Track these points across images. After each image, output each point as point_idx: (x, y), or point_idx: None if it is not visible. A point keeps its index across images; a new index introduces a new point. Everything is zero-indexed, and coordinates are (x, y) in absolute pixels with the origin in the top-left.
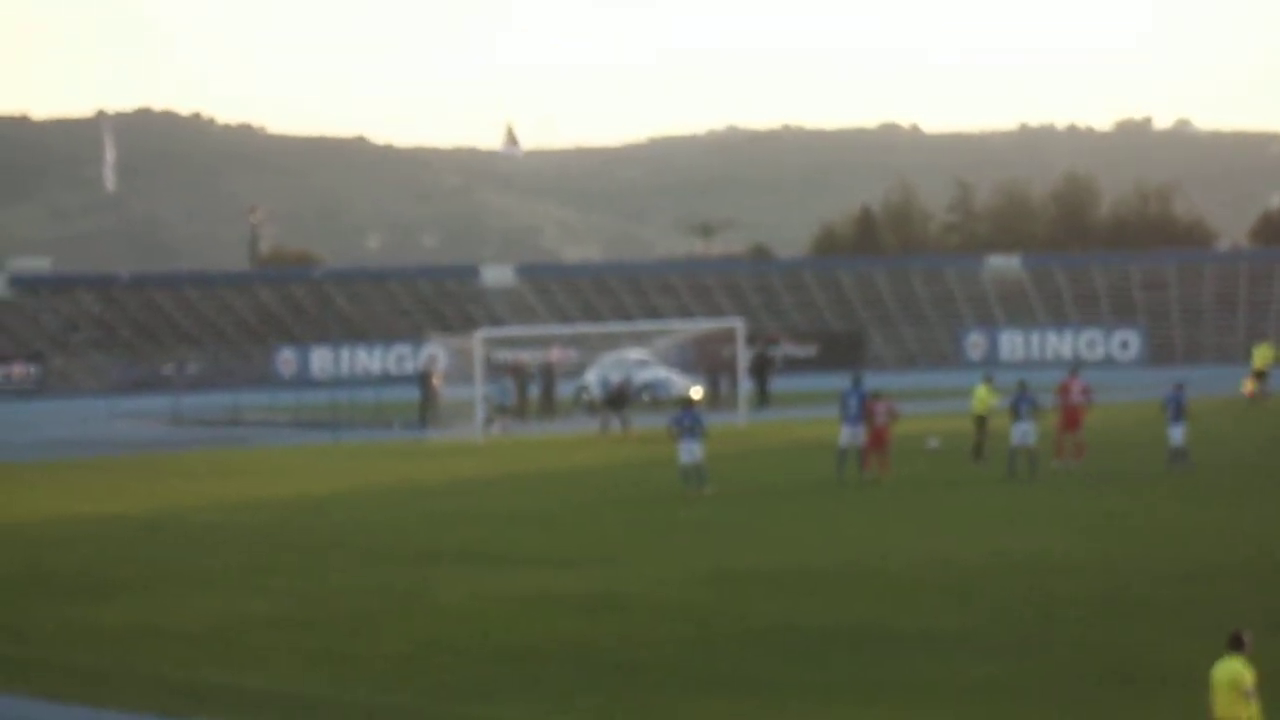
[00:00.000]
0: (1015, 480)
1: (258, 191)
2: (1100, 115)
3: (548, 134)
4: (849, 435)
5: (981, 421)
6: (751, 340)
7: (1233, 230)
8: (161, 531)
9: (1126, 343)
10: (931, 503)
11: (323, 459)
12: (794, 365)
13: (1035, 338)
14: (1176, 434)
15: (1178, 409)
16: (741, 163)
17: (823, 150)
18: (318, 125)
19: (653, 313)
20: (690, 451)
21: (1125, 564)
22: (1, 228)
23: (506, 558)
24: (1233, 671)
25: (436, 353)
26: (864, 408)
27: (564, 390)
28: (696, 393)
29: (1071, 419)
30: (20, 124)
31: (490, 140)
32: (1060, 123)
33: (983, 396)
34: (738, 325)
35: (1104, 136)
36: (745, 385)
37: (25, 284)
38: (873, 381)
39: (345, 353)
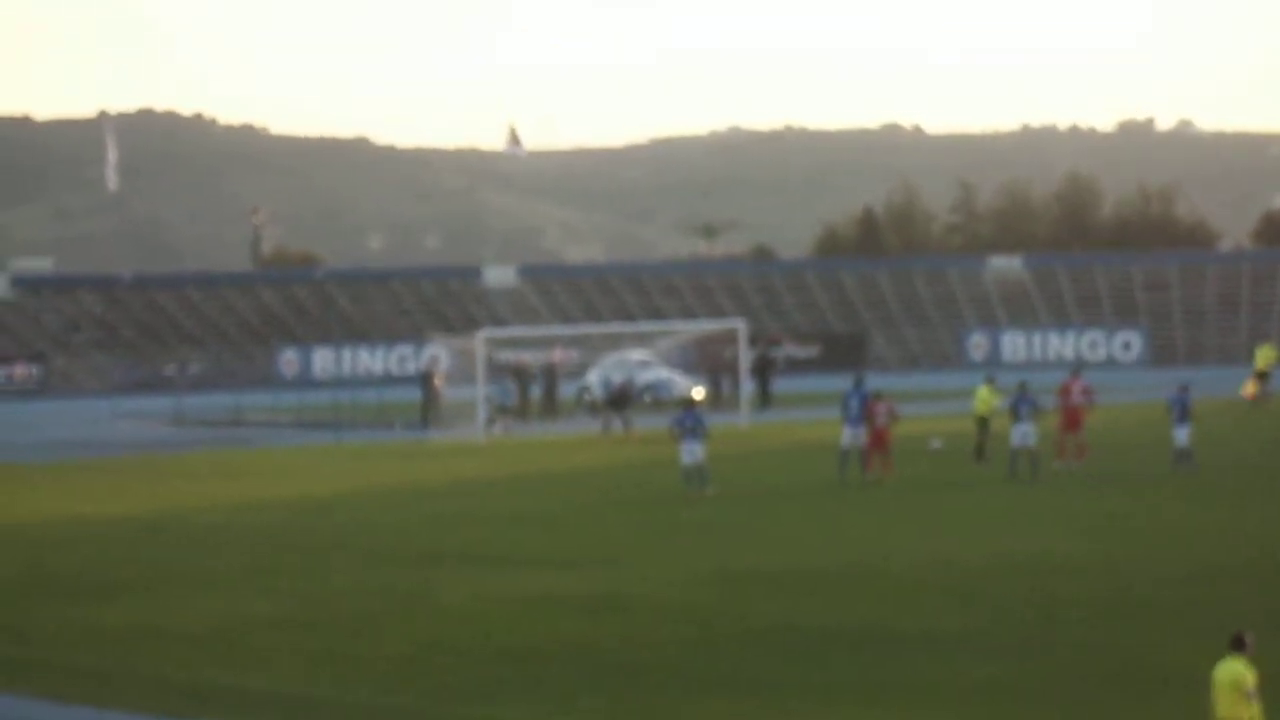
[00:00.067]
0: (1017, 481)
1: (260, 192)
2: (1102, 116)
3: (550, 134)
4: (851, 436)
5: (983, 422)
6: (753, 341)
7: (1235, 231)
8: (164, 532)
9: (1128, 344)
10: (933, 504)
11: (325, 460)
12: (796, 366)
13: (1037, 339)
14: (1181, 435)
15: (1183, 410)
16: (744, 163)
17: (825, 151)
18: (320, 126)
19: (655, 313)
20: (692, 452)
21: (1127, 565)
22: (4, 228)
23: (508, 559)
24: (1235, 672)
25: (438, 353)
26: (865, 409)
27: (566, 391)
28: (698, 394)
29: (1072, 420)
30: (23, 124)
31: (492, 141)
32: (1062, 123)
33: (985, 397)
34: (740, 326)
35: (1106, 137)
36: (747, 386)
37: (27, 284)
38: (875, 382)
39: (347, 353)
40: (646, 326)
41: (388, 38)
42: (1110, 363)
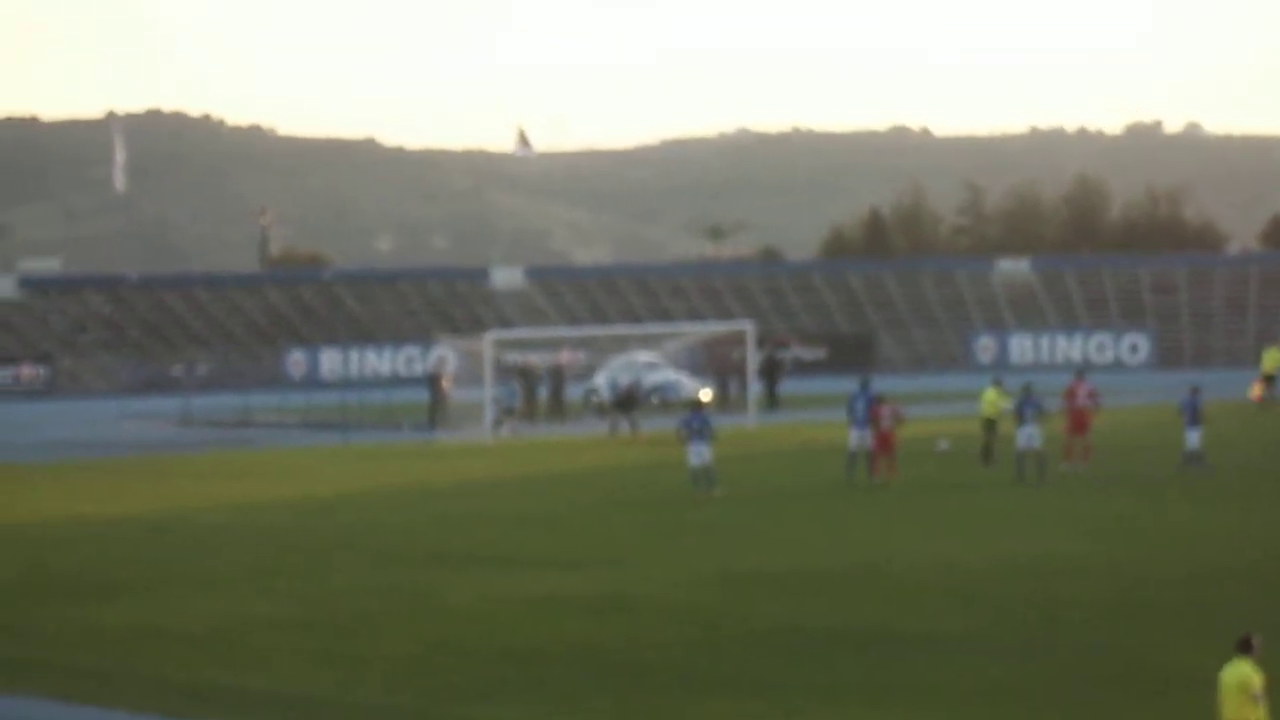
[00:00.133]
0: (1023, 483)
1: (267, 193)
2: (1110, 118)
3: (558, 135)
4: (857, 438)
5: (990, 424)
6: (761, 343)
7: (1243, 233)
8: (167, 533)
9: (1136, 346)
10: (939, 505)
11: (332, 460)
12: (803, 368)
13: (1045, 341)
14: (1193, 438)
15: (1194, 413)
16: (751, 165)
17: (833, 153)
18: (327, 127)
19: (662, 315)
20: (699, 454)
21: (1131, 567)
22: (11, 229)
23: (514, 559)
24: (1241, 674)
25: (446, 354)
26: (870, 411)
27: (573, 392)
28: (706, 395)
29: (1078, 422)
30: (30, 125)
31: (500, 142)
32: (1070, 126)
33: (991, 399)
34: (747, 328)
35: (1114, 139)
36: (755, 388)
37: (34, 285)
38: (883, 384)
39: (355, 354)
40: (654, 328)
41: (395, 38)
42: (1118, 365)
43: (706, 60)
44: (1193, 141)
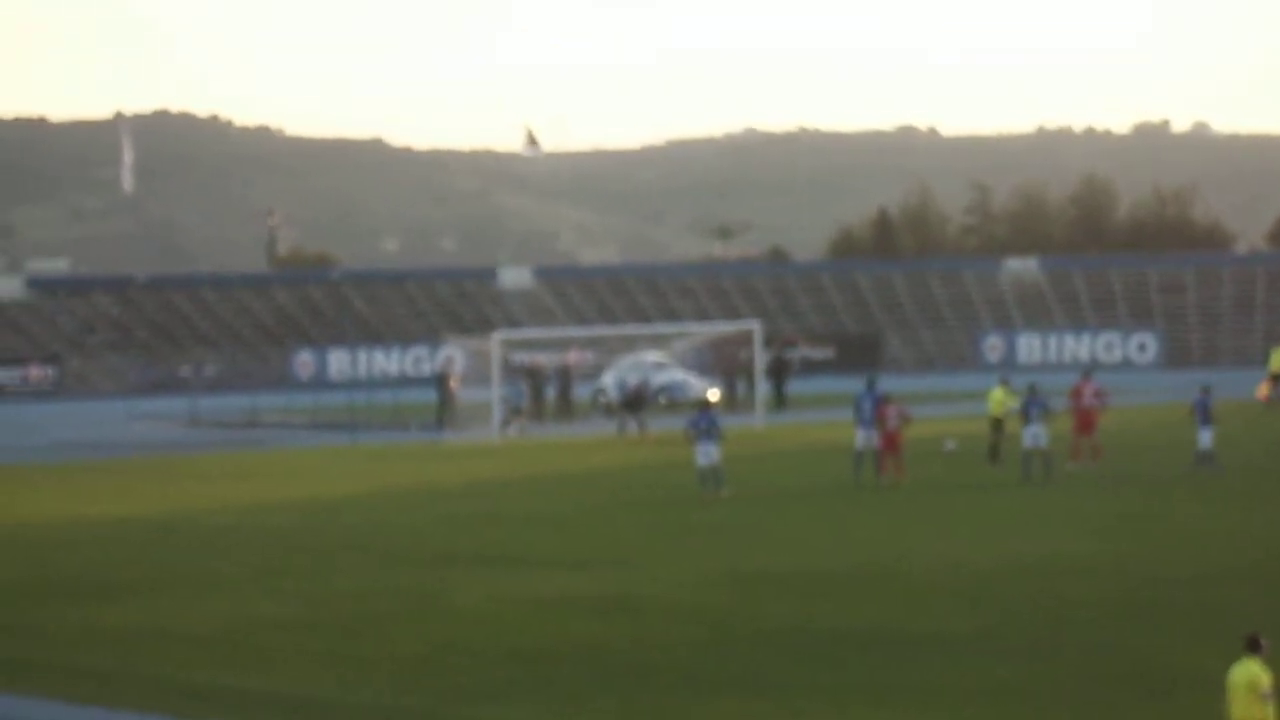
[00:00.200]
0: (1029, 483)
1: (275, 193)
2: (1118, 118)
3: (564, 136)
4: (864, 438)
5: (997, 424)
6: (769, 342)
7: (1250, 233)
8: (174, 534)
9: (1144, 345)
10: (946, 505)
11: (340, 461)
12: (811, 367)
13: (1053, 340)
14: (1205, 437)
15: (1205, 412)
16: (758, 165)
17: (840, 153)
18: (335, 127)
19: (670, 315)
20: (707, 454)
21: (1138, 567)
22: (19, 229)
23: (522, 560)
24: (1250, 674)
25: (454, 355)
26: (876, 411)
27: (581, 392)
28: (713, 395)
29: (1085, 422)
30: (38, 126)
31: (507, 142)
32: (1078, 125)
33: (999, 399)
34: (755, 327)
35: (1121, 139)
36: (762, 388)
37: (42, 285)
38: (890, 384)
39: (363, 354)
40: (662, 328)
41: (404, 39)
42: (1125, 364)
43: (710, 60)
44: (1200, 141)
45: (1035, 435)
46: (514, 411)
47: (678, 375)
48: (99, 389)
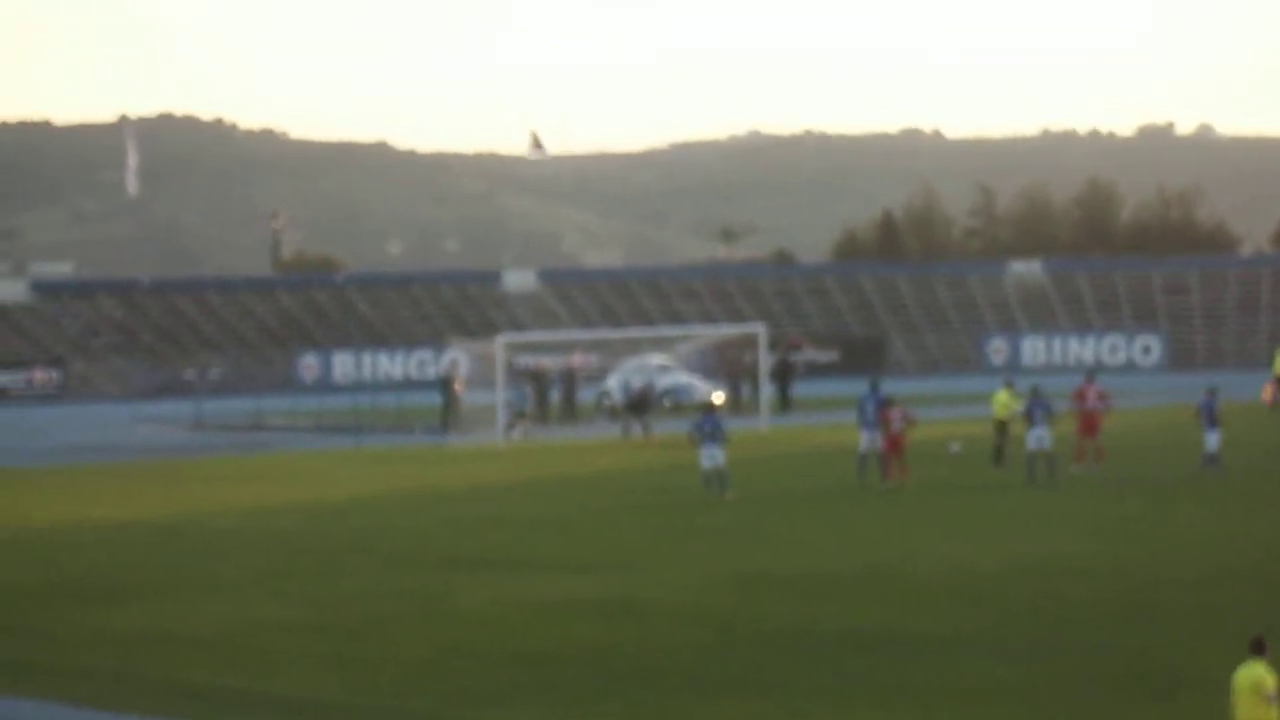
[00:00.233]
0: (1034, 485)
1: (279, 196)
2: (1122, 120)
3: (568, 138)
4: (867, 441)
5: (1002, 426)
6: (773, 345)
7: (1255, 235)
8: (178, 537)
9: (1148, 348)
10: (950, 507)
11: (344, 464)
12: (816, 370)
13: (1057, 343)
14: (1212, 440)
15: (1211, 415)
16: (763, 167)
17: (844, 155)
18: (339, 130)
19: (674, 318)
20: (712, 457)
21: (1140, 569)
22: (24, 232)
23: (527, 563)
24: (1255, 676)
25: (458, 358)
26: (880, 414)
27: (585, 395)
28: (718, 398)
29: (1088, 424)
30: (43, 129)
31: (511, 145)
32: (1082, 128)
33: (1004, 401)
34: (759, 330)
35: (1126, 141)
36: (767, 390)
37: (47, 289)
38: (895, 387)
39: (367, 358)
40: (666, 331)
41: (408, 42)
42: (1130, 367)
43: (711, 61)
44: (1205, 143)
45: (1039, 438)
46: (518, 415)
47: (682, 378)
48: (103, 392)
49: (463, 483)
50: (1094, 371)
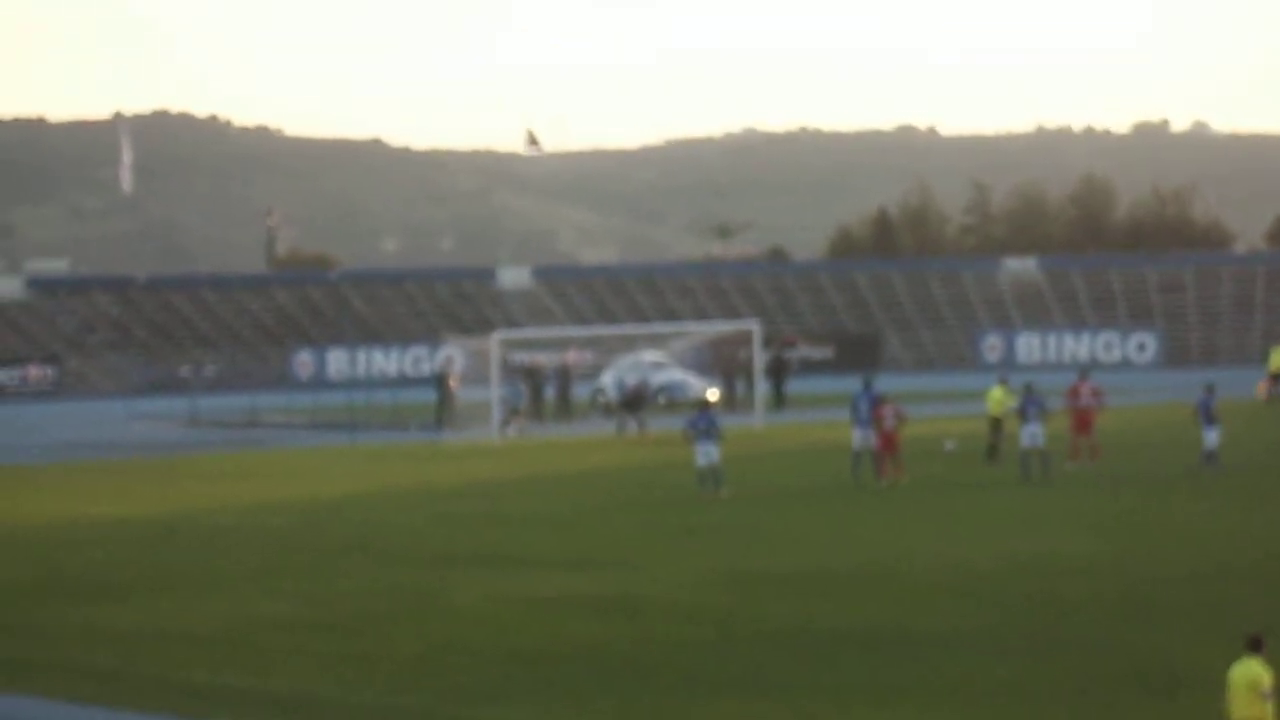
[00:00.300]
0: (1028, 482)
1: (274, 193)
2: (1117, 117)
3: (563, 136)
4: (861, 438)
5: (996, 423)
6: (768, 342)
7: (1250, 232)
8: (174, 534)
9: (1143, 345)
10: (945, 504)
11: (339, 461)
12: (810, 367)
13: (1052, 340)
14: (1211, 437)
15: (1208, 412)
16: (758, 165)
17: (839, 152)
18: (334, 128)
19: (669, 315)
20: (707, 454)
21: (1137, 566)
22: (18, 229)
23: (521, 560)
24: (1251, 673)
25: (453, 355)
26: (872, 411)
27: (580, 392)
28: (713, 395)
29: (1082, 422)
30: (37, 126)
31: (507, 142)
32: (1077, 125)
33: (998, 398)
34: (754, 327)
35: (1121, 139)
36: (761, 387)
37: (42, 285)
38: (890, 384)
39: (362, 354)
40: (661, 328)
41: (403, 40)
42: (1125, 364)
43: (709, 60)
44: (1200, 140)
45: (1033, 435)
46: (513, 411)
47: (677, 375)
48: (99, 389)
49: (458, 479)
50: (1088, 369)
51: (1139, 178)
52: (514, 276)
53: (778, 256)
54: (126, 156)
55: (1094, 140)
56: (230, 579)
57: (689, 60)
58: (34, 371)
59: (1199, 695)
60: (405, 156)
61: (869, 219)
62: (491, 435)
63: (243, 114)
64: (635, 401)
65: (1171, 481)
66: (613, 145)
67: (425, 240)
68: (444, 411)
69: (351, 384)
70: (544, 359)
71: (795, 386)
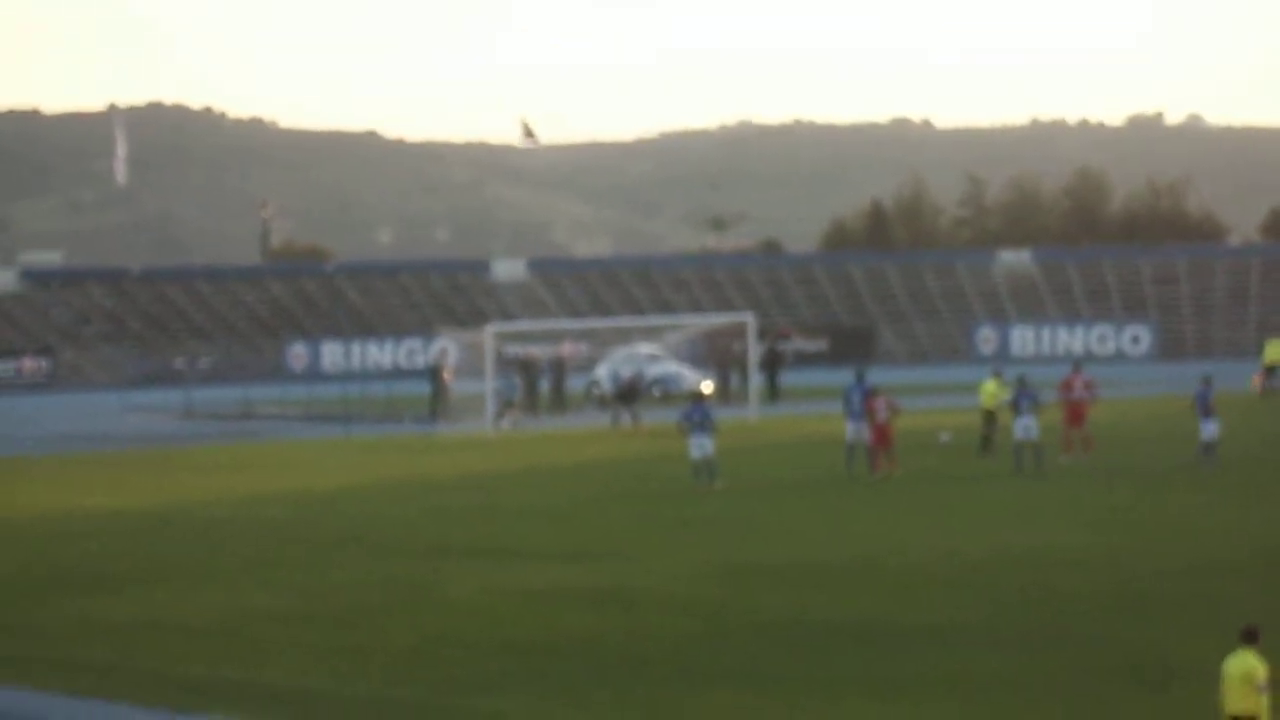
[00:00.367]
0: (1021, 475)
1: (269, 186)
2: (1112, 110)
3: (559, 128)
4: (854, 431)
5: (989, 416)
6: (762, 335)
7: (1244, 225)
8: (169, 526)
9: (1137, 338)
10: (939, 497)
11: (333, 453)
12: (804, 360)
13: (1046, 333)
14: (1208, 429)
15: (1205, 404)
16: (753, 157)
17: (834, 145)
18: (329, 120)
19: (663, 307)
20: (701, 446)
21: (1131, 559)
22: (13, 222)
23: (516, 552)
24: (1246, 665)
25: (447, 347)
26: (865, 403)
27: (575, 384)
28: (707, 387)
29: (1075, 415)
30: (32, 118)
31: (501, 134)
32: (1071, 118)
33: (991, 391)
34: (748, 320)
35: (1115, 131)
36: (756, 380)
37: (36, 278)
38: (884, 376)
39: (356, 347)
40: (655, 320)
41: (398, 32)
42: (1119, 356)
43: (707, 59)
44: (1194, 133)
45: (1026, 427)
46: (507, 404)
47: (671, 367)
48: (93, 381)
49: (452, 472)
50: (1081, 361)
51: (1134, 171)
52: (509, 269)
53: (772, 249)
54: (121, 148)
55: (1089, 133)
56: (225, 571)
57: (683, 60)
58: (28, 363)
59: (1194, 688)
60: (400, 149)
61: (864, 211)
62: (486, 428)
63: (237, 106)
64: (630, 394)
65: (1166, 475)
66: (608, 138)
67: (420, 232)
68: (438, 404)
69: (346, 376)
70: (538, 351)
71: (790, 379)
